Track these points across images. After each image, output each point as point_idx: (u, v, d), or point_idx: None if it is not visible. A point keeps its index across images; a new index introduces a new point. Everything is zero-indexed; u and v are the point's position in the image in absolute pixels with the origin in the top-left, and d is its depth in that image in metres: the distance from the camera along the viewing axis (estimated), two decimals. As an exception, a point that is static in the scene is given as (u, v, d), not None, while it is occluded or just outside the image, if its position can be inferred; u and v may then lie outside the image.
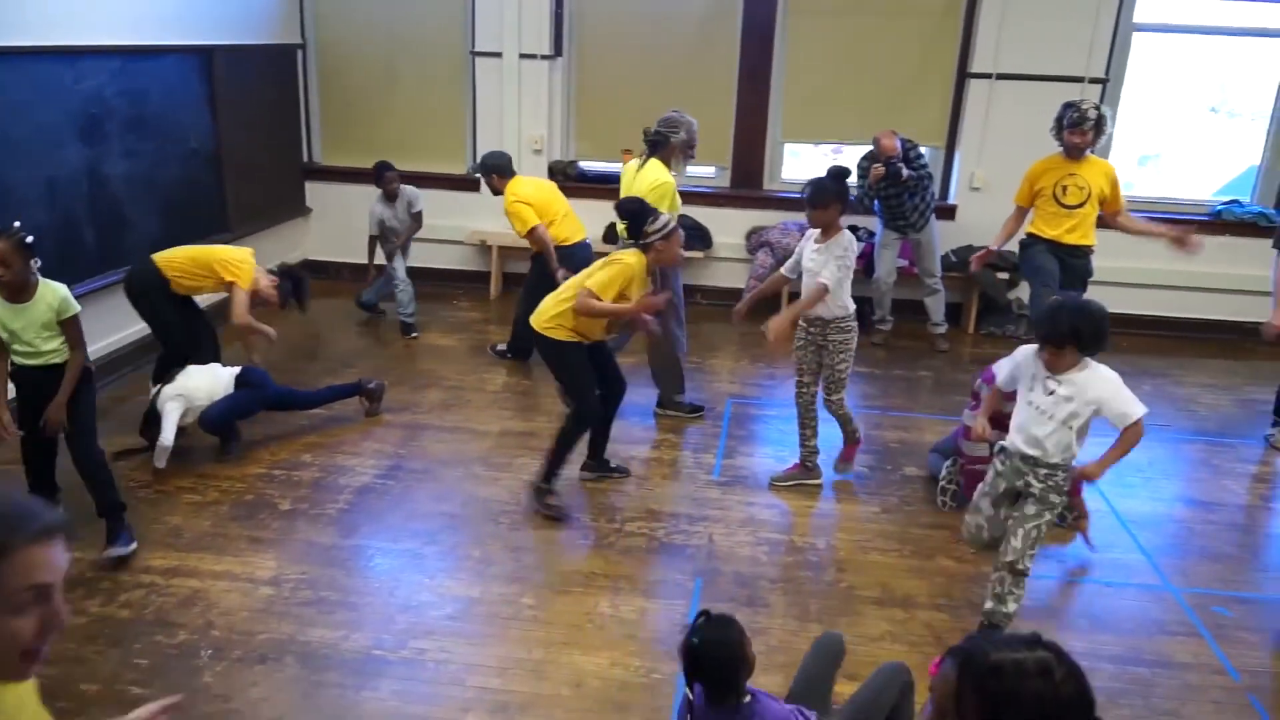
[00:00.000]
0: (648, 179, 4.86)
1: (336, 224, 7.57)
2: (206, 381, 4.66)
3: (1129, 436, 3.10)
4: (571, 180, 7.28)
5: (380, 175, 6.39)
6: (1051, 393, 3.13)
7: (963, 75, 6.79)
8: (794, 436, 4.60)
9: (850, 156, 6.70)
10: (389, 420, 5.12)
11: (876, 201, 6.41)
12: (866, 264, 6.77)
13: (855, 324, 4.37)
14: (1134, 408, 3.07)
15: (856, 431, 4.59)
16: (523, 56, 7.01)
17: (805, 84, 6.97)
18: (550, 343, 4.22)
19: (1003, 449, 3.35)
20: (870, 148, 6.31)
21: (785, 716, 2.26)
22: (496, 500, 4.36)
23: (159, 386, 4.61)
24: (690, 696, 2.26)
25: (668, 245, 4.16)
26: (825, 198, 4.20)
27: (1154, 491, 4.72)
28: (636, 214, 4.23)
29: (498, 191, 5.79)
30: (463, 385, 5.67)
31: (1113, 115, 6.30)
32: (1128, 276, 6.75)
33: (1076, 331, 3.03)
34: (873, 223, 6.80)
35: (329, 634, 3.39)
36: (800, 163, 7.65)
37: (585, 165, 7.41)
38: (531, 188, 5.74)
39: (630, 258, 4.14)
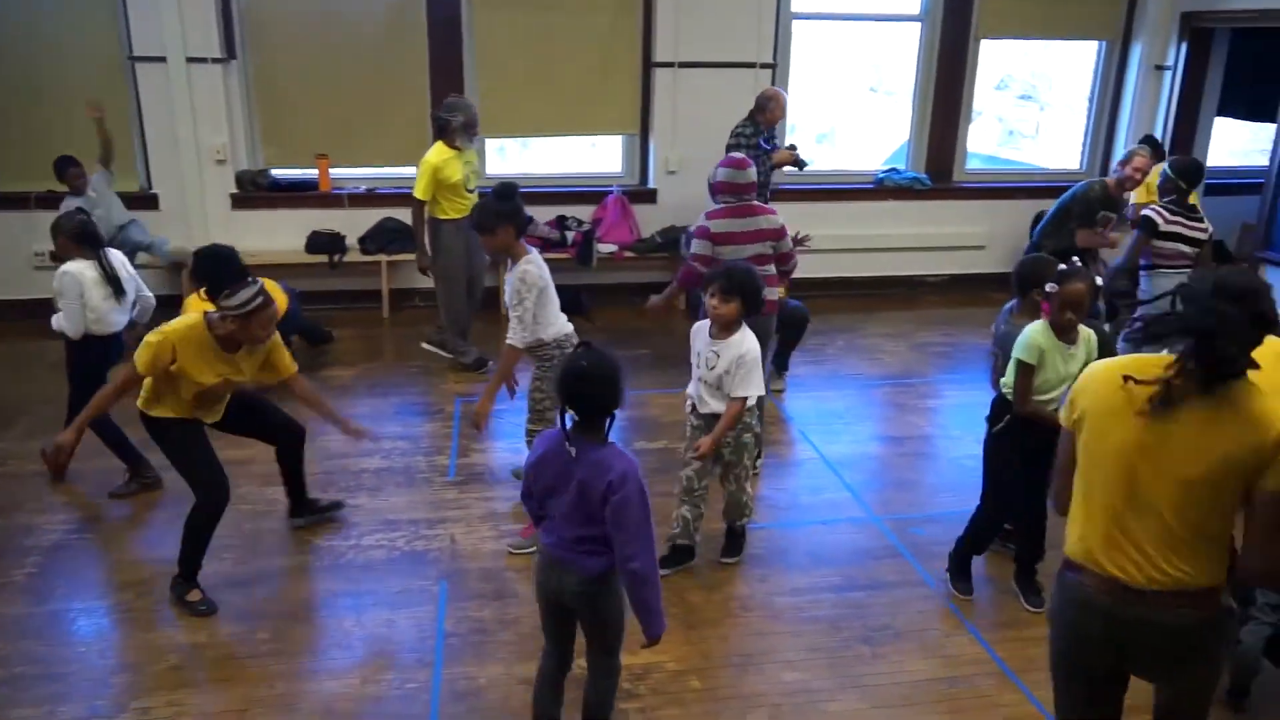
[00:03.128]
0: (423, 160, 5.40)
1: (-15, 257, 6.65)
2: None
3: (731, 411, 3.60)
4: (263, 190, 6.86)
5: (64, 170, 5.81)
6: (713, 367, 3.60)
7: (648, 64, 7.11)
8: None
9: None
10: (77, 468, 4.57)
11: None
12: (580, 251, 6.95)
13: (557, 351, 3.98)
14: (746, 389, 3.59)
15: None
16: (190, 60, 6.48)
17: (498, 79, 6.99)
18: (149, 422, 3.58)
19: (693, 406, 3.75)
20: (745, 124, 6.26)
21: (633, 466, 2.47)
22: (217, 537, 4.02)
23: None
24: (567, 425, 2.50)
25: (244, 327, 3.38)
26: (488, 221, 3.82)
27: (853, 434, 5.21)
28: (212, 275, 3.43)
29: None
30: (163, 419, 5.19)
31: (787, 96, 6.87)
32: (815, 244, 7.36)
33: (743, 288, 3.52)
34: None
35: (31, 712, 3.00)
36: (504, 159, 7.70)
37: (277, 174, 7.01)
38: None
39: (186, 321, 3.46)
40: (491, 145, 7.38)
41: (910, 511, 4.39)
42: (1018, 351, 3.36)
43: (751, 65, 7.11)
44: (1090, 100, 8.06)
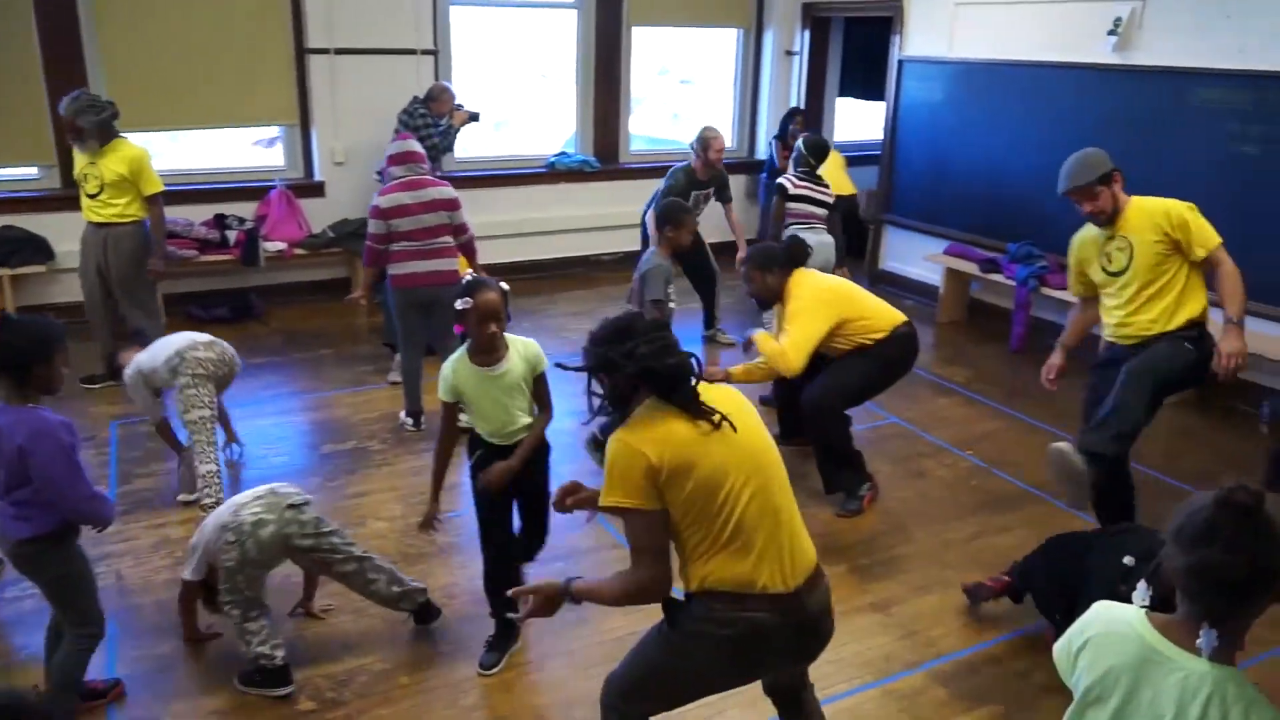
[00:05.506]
0: None
1: None
2: None
3: None
4: None
5: None
6: None
7: (301, 52, 6.76)
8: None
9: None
10: None
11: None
12: (245, 251, 6.51)
13: (173, 366, 4.13)
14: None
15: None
16: None
17: (132, 71, 6.33)
18: None
19: None
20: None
21: (46, 423, 2.59)
22: None
23: None
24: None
25: None
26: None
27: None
28: None
29: None
30: None
31: (450, 82, 6.82)
32: (491, 230, 7.40)
33: None
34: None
35: None
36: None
37: None
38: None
39: None
40: (134, 141, 6.67)
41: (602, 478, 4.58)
42: (439, 391, 3.07)
43: (412, 52, 7.00)
44: (735, 83, 8.76)
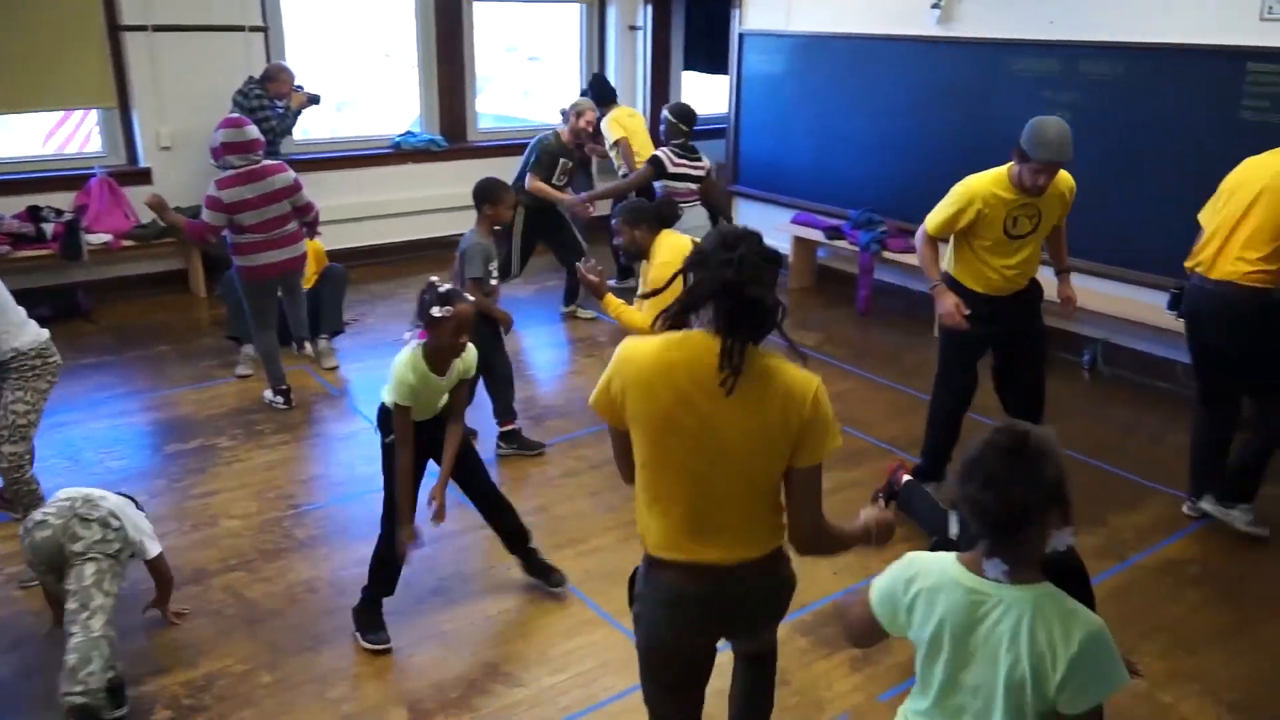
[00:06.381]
0: None
1: None
2: None
3: None
4: None
5: None
6: None
7: (114, 29, 6.32)
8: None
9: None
10: None
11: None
12: (65, 245, 6.07)
13: (48, 359, 3.46)
14: None
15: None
16: None
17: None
18: None
19: None
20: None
21: None
22: None
23: None
24: None
25: None
26: None
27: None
28: None
29: None
30: None
31: (286, 61, 6.56)
32: (337, 214, 7.16)
33: None
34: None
35: None
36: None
37: None
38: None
39: None
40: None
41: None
42: (394, 395, 3.03)
43: (240, 28, 6.66)
44: (581, 59, 8.73)
